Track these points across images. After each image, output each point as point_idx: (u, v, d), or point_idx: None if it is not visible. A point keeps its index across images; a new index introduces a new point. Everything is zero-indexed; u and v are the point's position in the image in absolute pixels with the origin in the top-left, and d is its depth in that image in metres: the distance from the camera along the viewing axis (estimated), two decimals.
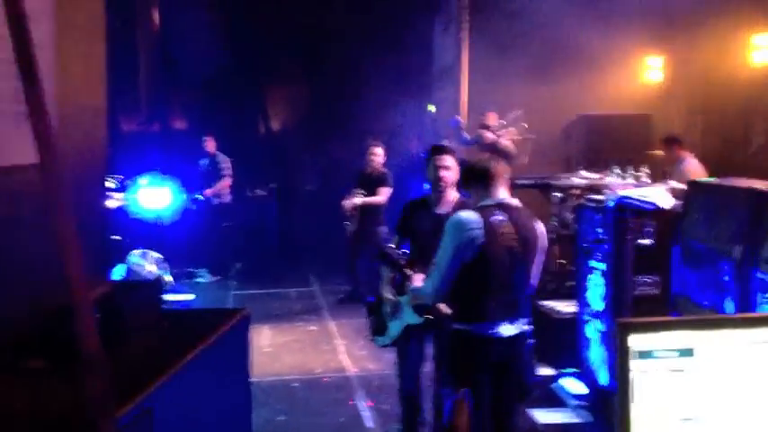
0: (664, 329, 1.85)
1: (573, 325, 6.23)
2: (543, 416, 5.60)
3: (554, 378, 6.22)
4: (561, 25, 10.78)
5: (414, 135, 14.21)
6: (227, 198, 11.84)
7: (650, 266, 5.55)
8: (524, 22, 11.31)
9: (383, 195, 9.35)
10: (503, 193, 3.85)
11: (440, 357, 4.62)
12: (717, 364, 1.84)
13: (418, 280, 4.21)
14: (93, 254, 2.88)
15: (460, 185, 4.45)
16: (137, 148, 12.05)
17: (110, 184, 10.06)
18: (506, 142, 10.30)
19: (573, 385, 6.03)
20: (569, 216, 7.58)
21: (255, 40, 15.29)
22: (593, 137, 10.85)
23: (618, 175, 7.07)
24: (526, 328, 3.87)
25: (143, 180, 10.75)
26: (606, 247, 5.62)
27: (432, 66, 15.90)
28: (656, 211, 5.44)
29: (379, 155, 9.47)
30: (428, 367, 4.90)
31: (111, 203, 9.88)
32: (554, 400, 5.98)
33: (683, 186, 5.63)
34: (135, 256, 9.18)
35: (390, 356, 5.59)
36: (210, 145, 11.70)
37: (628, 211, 5.51)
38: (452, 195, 4.77)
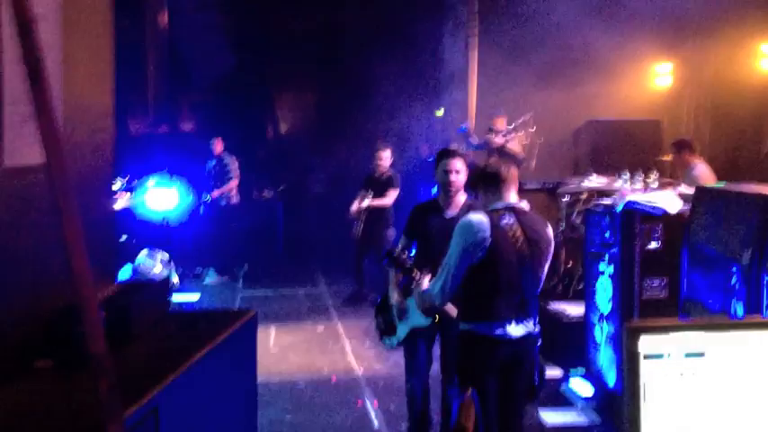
0: (673, 332, 1.84)
1: (581, 327, 6.23)
2: (551, 416, 5.60)
3: (562, 379, 6.21)
4: (570, 30, 10.76)
5: (422, 139, 14.21)
6: (235, 199, 11.86)
7: (659, 270, 5.54)
8: (533, 27, 11.30)
9: (390, 198, 9.37)
10: (512, 197, 3.88)
11: (447, 358, 4.62)
12: (726, 367, 1.83)
13: (426, 282, 4.21)
14: (100, 254, 2.89)
15: (470, 188, 4.44)
16: (145, 150, 12.08)
17: (117, 184, 10.09)
18: (514, 146, 10.30)
19: (581, 386, 6.02)
20: (578, 220, 7.57)
21: (264, 42, 15.30)
22: (602, 142, 10.81)
23: (627, 179, 7.06)
24: (534, 329, 3.87)
25: (151, 181, 10.78)
26: (614, 250, 5.62)
27: (441, 70, 15.88)
28: (664, 216, 5.44)
29: (385, 158, 9.48)
30: (436, 368, 4.90)
31: (119, 204, 9.91)
32: (562, 401, 5.97)
33: (693, 191, 5.62)
34: (142, 256, 9.18)
35: (397, 357, 5.59)
36: (218, 146, 11.72)
37: (636, 215, 5.51)
38: (461, 199, 4.77)
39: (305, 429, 5.72)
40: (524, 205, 3.92)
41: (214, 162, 11.68)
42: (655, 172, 7.14)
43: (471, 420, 3.74)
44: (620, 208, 5.61)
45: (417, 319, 4.60)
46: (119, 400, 1.90)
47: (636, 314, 5.39)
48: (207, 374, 2.80)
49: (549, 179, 8.61)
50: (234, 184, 11.70)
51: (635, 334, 1.82)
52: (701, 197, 5.17)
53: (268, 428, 5.53)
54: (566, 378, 6.22)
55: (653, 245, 5.55)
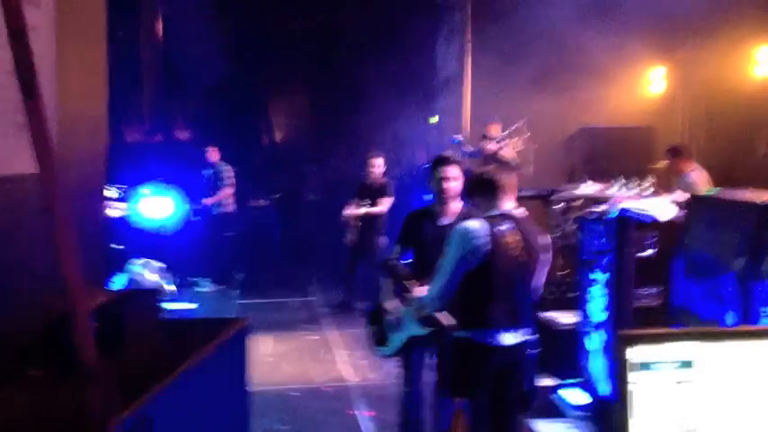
0: (663, 341, 1.85)
1: (574, 336, 6.21)
2: (544, 426, 5.58)
3: (554, 388, 6.20)
4: (564, 37, 10.79)
5: (417, 145, 14.24)
6: (231, 207, 11.84)
7: (652, 278, 5.54)
8: (527, 34, 11.32)
9: (384, 205, 9.38)
10: (509, 204, 3.88)
11: (440, 367, 4.61)
12: (716, 376, 1.84)
13: (420, 291, 4.21)
14: (93, 263, 2.89)
15: (467, 196, 4.44)
16: (139, 158, 12.07)
17: (112, 193, 10.08)
18: (507, 152, 10.31)
19: (574, 396, 6.01)
20: (571, 227, 7.57)
21: (259, 51, 15.33)
22: (596, 149, 10.83)
23: (622, 186, 7.06)
24: (529, 337, 3.87)
25: (145, 190, 10.76)
26: (607, 258, 5.62)
27: (435, 76, 15.92)
28: (658, 223, 5.44)
29: (378, 166, 9.51)
30: (430, 377, 4.89)
31: (113, 213, 9.90)
32: (554, 410, 5.95)
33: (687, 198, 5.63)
34: (136, 265, 9.18)
35: (390, 366, 5.59)
36: (213, 155, 11.71)
37: (629, 222, 5.50)
38: (456, 206, 4.75)
39: None
40: (521, 212, 3.92)
41: (210, 170, 11.68)
42: (649, 179, 7.15)
43: (463, 430, 3.74)
44: (613, 215, 5.61)
45: (413, 328, 4.60)
46: (110, 408, 1.90)
47: (629, 323, 5.38)
48: (199, 383, 2.80)
49: (542, 186, 8.61)
50: (228, 192, 11.68)
51: (626, 343, 1.83)
52: (695, 205, 5.18)
53: None
54: (558, 387, 6.21)
55: (647, 252, 5.55)
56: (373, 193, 9.44)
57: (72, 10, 2.96)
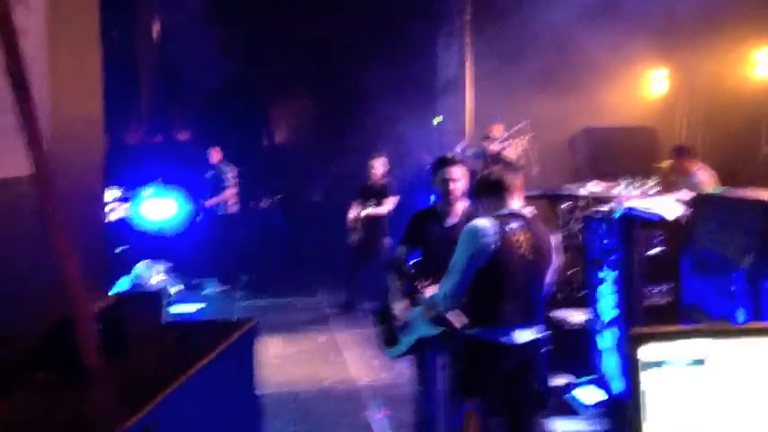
0: (675, 339, 1.83)
1: (584, 334, 6.20)
2: (559, 425, 5.56)
3: (567, 387, 6.18)
4: (565, 38, 10.77)
5: (419, 147, 14.22)
6: (234, 208, 11.84)
7: (661, 276, 5.52)
8: (528, 35, 11.31)
9: (389, 205, 9.40)
10: (517, 204, 3.89)
11: (452, 367, 4.59)
12: (728, 374, 1.82)
13: (430, 291, 4.22)
14: (94, 266, 2.87)
15: (474, 197, 4.42)
16: (140, 160, 12.08)
17: (113, 195, 10.08)
18: (509, 153, 10.31)
19: (587, 394, 5.99)
20: (577, 227, 7.56)
21: (260, 53, 15.31)
22: (598, 149, 10.85)
23: (627, 185, 7.05)
24: (540, 335, 3.87)
25: (147, 191, 10.76)
26: (615, 257, 5.61)
27: (436, 78, 15.90)
28: (665, 222, 5.42)
29: (378, 167, 9.54)
30: (443, 376, 4.87)
31: (115, 215, 9.89)
32: (568, 409, 5.93)
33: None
34: (140, 267, 9.18)
35: (402, 366, 5.56)
36: (215, 156, 11.71)
37: (635, 221, 5.49)
38: (461, 206, 4.74)
39: None
40: (530, 211, 3.93)
41: (212, 172, 11.68)
42: (653, 178, 7.13)
43: (475, 430, 3.73)
44: (618, 214, 5.60)
45: (423, 328, 4.58)
46: (115, 413, 1.88)
47: (639, 321, 5.37)
48: (206, 386, 2.77)
49: (547, 186, 8.60)
50: (230, 193, 11.67)
51: (637, 342, 1.82)
52: (702, 203, 5.17)
53: None
54: (571, 386, 6.20)
55: (655, 250, 5.54)
56: (375, 194, 9.46)
57: (64, 12, 2.95)
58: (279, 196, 14.77)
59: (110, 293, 3.40)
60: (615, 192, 7.07)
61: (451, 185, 4.65)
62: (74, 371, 1.85)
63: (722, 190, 6.37)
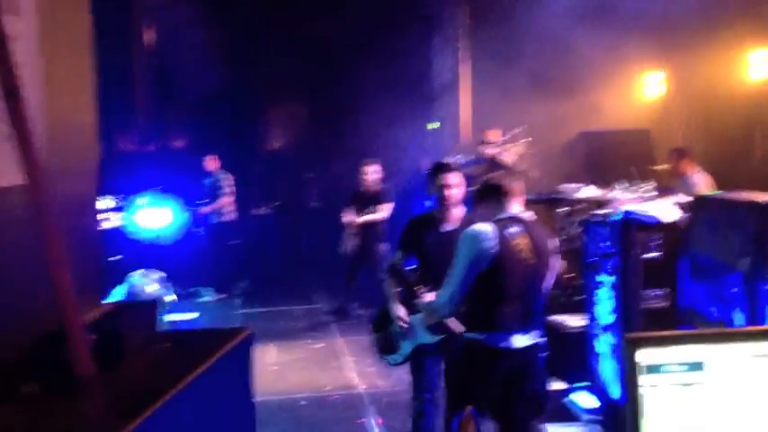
0: (672, 344, 1.82)
1: (582, 339, 6.19)
2: (556, 430, 5.55)
3: (565, 392, 6.17)
4: (561, 41, 10.78)
5: (416, 152, 14.23)
6: (232, 216, 11.82)
7: (658, 280, 5.51)
8: (524, 39, 11.33)
9: (385, 211, 9.38)
10: (517, 208, 3.90)
11: (450, 373, 4.58)
12: (726, 378, 1.81)
13: (430, 296, 4.21)
14: (88, 275, 2.85)
15: (475, 201, 4.43)
16: (135, 168, 12.04)
17: (108, 204, 10.05)
18: (506, 157, 10.30)
19: (584, 399, 5.98)
20: (575, 231, 7.56)
21: (255, 59, 15.30)
22: (595, 153, 10.85)
23: (625, 189, 7.05)
24: (539, 340, 3.87)
25: (142, 200, 10.73)
26: (613, 261, 5.60)
27: (433, 82, 15.92)
28: (662, 225, 5.42)
29: (372, 173, 9.51)
30: (441, 383, 4.86)
31: (110, 224, 9.86)
32: (565, 414, 5.92)
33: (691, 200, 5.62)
34: (135, 276, 9.15)
35: (400, 373, 5.55)
36: (212, 163, 11.70)
37: (633, 225, 5.49)
38: (458, 211, 4.74)
39: None
40: (529, 216, 3.93)
41: (210, 179, 11.66)
42: (650, 181, 7.13)
43: None
44: (615, 218, 5.60)
45: (423, 335, 4.57)
46: (108, 424, 1.86)
47: (637, 325, 5.36)
48: (202, 396, 2.75)
49: (544, 190, 8.60)
50: (226, 200, 11.65)
51: (634, 346, 1.81)
52: (699, 206, 5.16)
53: None
54: (569, 391, 6.18)
55: (652, 254, 5.53)
56: (369, 201, 9.43)
57: (55, 18, 2.93)
58: (276, 203, 14.76)
59: (104, 302, 3.38)
60: (612, 195, 7.06)
61: (448, 192, 4.66)
62: (65, 381, 1.84)
63: (718, 193, 6.37)
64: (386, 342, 4.83)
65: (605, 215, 5.83)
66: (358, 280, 9.67)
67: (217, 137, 14.30)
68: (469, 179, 6.17)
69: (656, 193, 6.79)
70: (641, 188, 6.96)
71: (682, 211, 5.45)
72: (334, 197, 13.72)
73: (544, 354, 3.93)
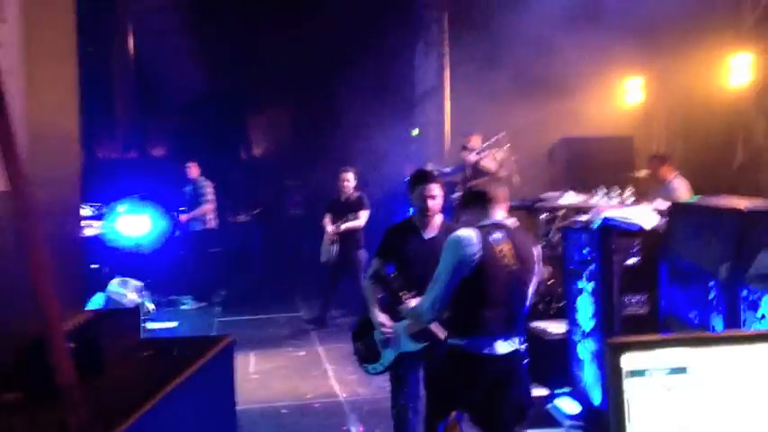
0: (655, 348, 1.82)
1: (563, 345, 6.21)
2: None
3: (547, 398, 6.18)
4: (542, 48, 10.83)
5: (398, 159, 14.24)
6: (213, 223, 11.77)
7: (639, 285, 5.54)
8: (505, 46, 11.37)
9: (363, 218, 9.38)
10: (500, 215, 3.91)
11: (433, 379, 4.57)
12: (710, 382, 1.82)
13: (413, 302, 4.21)
14: (69, 283, 2.83)
15: (459, 208, 4.45)
16: (114, 176, 11.97)
17: (87, 211, 9.97)
18: (487, 163, 10.32)
19: (566, 405, 5.99)
20: (555, 237, 7.58)
21: (236, 66, 15.28)
22: (576, 159, 10.87)
23: (604, 195, 7.08)
24: (521, 346, 3.87)
25: (121, 207, 10.66)
26: (593, 267, 5.62)
27: (414, 89, 15.96)
28: (641, 231, 5.45)
29: (349, 180, 9.51)
30: (422, 392, 4.84)
31: (89, 231, 9.78)
32: (548, 420, 5.93)
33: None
34: (114, 284, 9.08)
35: (380, 381, 5.52)
36: (193, 171, 11.64)
37: (612, 231, 5.51)
38: (438, 220, 4.77)
39: None
40: (512, 222, 3.95)
41: (191, 187, 11.60)
42: (630, 188, 7.17)
43: None
44: (596, 224, 5.62)
45: (406, 343, 4.56)
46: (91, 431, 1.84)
47: (618, 331, 5.38)
48: (183, 404, 2.73)
49: (526, 197, 8.62)
50: (207, 208, 11.60)
51: (617, 351, 1.80)
52: (677, 212, 5.20)
53: None
54: (551, 397, 6.19)
55: (632, 260, 5.56)
56: (347, 209, 9.43)
57: (41, 26, 2.92)
58: (257, 210, 14.71)
59: (85, 310, 3.35)
60: (593, 202, 7.09)
61: (430, 203, 4.68)
62: (46, 390, 1.81)
63: (698, 199, 6.41)
64: (368, 350, 4.81)
65: (586, 222, 5.85)
66: (338, 288, 9.65)
67: (198, 144, 14.25)
68: (452, 186, 6.17)
69: (635, 199, 6.83)
70: (622, 194, 7.00)
71: (661, 217, 5.48)
72: (316, 204, 13.71)
73: (525, 360, 3.94)
